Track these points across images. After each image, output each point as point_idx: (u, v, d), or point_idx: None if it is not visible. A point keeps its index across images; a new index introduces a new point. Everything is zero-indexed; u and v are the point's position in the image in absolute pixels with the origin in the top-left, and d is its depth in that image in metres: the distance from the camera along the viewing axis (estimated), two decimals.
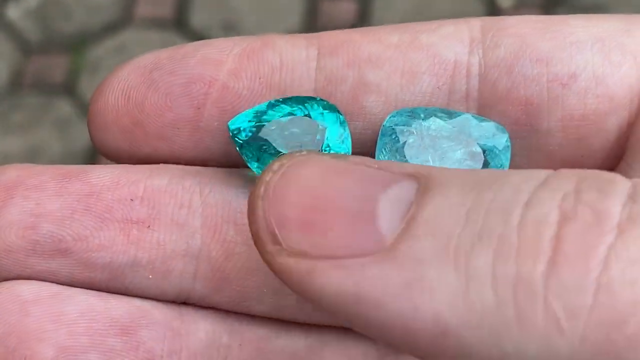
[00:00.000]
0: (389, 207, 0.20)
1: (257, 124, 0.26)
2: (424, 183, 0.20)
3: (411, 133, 0.27)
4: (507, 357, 0.18)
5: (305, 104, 0.26)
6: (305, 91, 0.27)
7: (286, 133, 0.26)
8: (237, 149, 0.26)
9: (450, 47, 0.27)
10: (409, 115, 0.27)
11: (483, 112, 0.27)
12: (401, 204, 0.20)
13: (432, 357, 0.19)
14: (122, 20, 1.18)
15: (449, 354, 0.19)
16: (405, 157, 0.27)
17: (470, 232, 0.19)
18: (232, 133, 0.26)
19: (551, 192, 0.19)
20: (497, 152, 0.27)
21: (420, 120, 0.27)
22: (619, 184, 0.19)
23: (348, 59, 0.27)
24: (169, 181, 0.27)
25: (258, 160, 0.26)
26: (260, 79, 0.27)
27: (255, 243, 0.21)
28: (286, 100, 0.26)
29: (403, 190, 0.20)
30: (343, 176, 0.21)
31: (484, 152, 0.27)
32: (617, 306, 0.18)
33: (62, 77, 1.14)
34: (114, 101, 0.27)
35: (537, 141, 0.27)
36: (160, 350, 0.26)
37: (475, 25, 0.27)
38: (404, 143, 0.27)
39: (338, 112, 0.27)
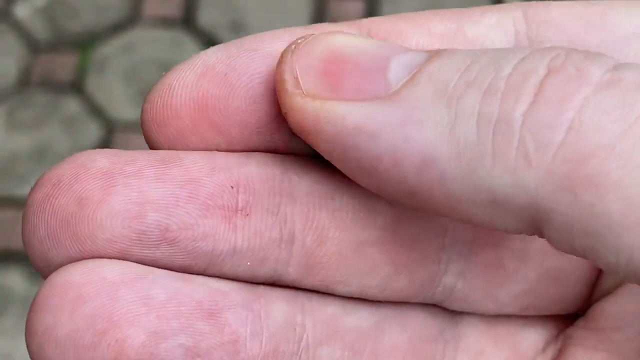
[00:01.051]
0: (399, 65, 0.23)
1: None
2: (434, 53, 0.23)
3: None
4: (480, 188, 0.21)
5: None
6: None
7: None
8: None
9: (497, 40, 0.27)
10: None
11: None
12: (411, 65, 0.23)
13: (413, 192, 0.22)
14: (130, 19, 1.18)
15: (430, 186, 0.22)
16: None
17: (466, 79, 0.21)
18: None
19: (545, 51, 0.21)
20: None
21: None
22: (606, 57, 0.21)
23: None
24: (258, 168, 0.27)
25: None
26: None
27: (277, 85, 0.24)
28: None
29: (414, 57, 0.23)
30: (364, 42, 0.24)
31: None
32: (582, 146, 0.20)
33: (70, 75, 1.15)
34: (187, 110, 0.26)
35: None
36: (244, 332, 0.26)
37: (518, 15, 0.27)
38: None
39: None
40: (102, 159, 0.25)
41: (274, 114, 0.26)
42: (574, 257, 0.27)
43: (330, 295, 0.28)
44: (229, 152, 0.27)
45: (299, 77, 0.24)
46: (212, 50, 0.27)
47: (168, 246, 0.25)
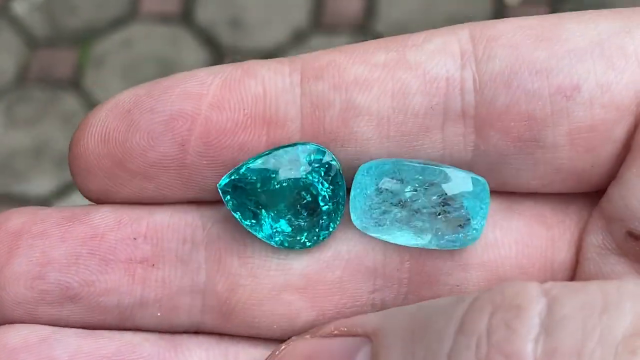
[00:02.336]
0: None
1: (237, 175, 0.26)
2: (375, 346, 0.23)
3: (383, 184, 0.26)
4: None
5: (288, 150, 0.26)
6: (291, 118, 0.26)
7: (275, 195, 0.26)
8: (229, 207, 0.26)
9: (440, 63, 0.26)
10: (381, 167, 0.26)
11: (482, 130, 0.26)
12: None
13: None
14: (128, 15, 1.18)
15: None
16: (376, 209, 0.26)
17: None
18: (222, 192, 0.26)
19: (467, 339, 0.20)
20: (474, 204, 0.26)
21: (394, 172, 0.26)
22: (530, 309, 0.20)
23: (334, 82, 0.26)
24: (171, 216, 0.27)
25: (250, 218, 0.26)
26: (244, 110, 0.26)
27: None
28: (274, 153, 0.26)
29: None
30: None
31: (459, 205, 0.26)
32: None
33: (68, 71, 1.14)
34: (93, 145, 0.26)
35: (543, 155, 0.26)
36: None
37: (464, 35, 0.26)
38: (376, 194, 0.26)
39: (328, 157, 0.26)
40: (16, 218, 0.26)
41: (176, 151, 0.26)
42: None
43: (257, 338, 0.27)
44: (143, 204, 0.27)
45: None
46: (130, 88, 0.26)
47: (72, 304, 0.26)
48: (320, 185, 0.26)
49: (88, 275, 0.26)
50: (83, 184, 0.27)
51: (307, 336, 0.25)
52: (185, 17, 1.17)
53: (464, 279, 0.27)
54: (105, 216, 0.26)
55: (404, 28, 1.12)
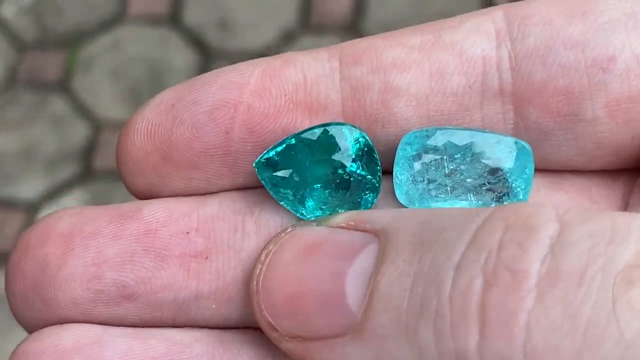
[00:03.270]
0: (355, 281, 0.23)
1: (275, 156, 0.26)
2: (382, 245, 0.23)
3: (427, 152, 0.26)
4: None
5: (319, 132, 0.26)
6: (332, 102, 0.27)
7: (312, 165, 0.26)
8: (266, 186, 0.26)
9: (476, 43, 0.26)
10: (425, 135, 0.26)
11: (520, 107, 0.26)
12: (364, 276, 0.23)
13: None
14: (117, 17, 1.18)
15: None
16: (421, 181, 0.26)
17: (414, 304, 0.21)
18: (258, 171, 0.26)
19: (477, 253, 0.21)
20: (519, 169, 0.26)
21: (438, 139, 0.26)
22: (542, 231, 0.21)
23: (372, 65, 0.26)
24: (219, 206, 0.27)
25: (289, 193, 0.26)
26: (285, 96, 0.26)
27: (264, 331, 0.24)
28: (312, 129, 0.26)
29: (366, 260, 0.23)
30: (315, 255, 0.24)
31: (503, 171, 0.26)
32: None
33: (56, 74, 1.14)
34: (140, 142, 0.26)
35: (583, 130, 0.26)
36: None
37: (498, 15, 0.27)
38: (421, 163, 0.26)
39: (355, 130, 0.26)
40: (66, 220, 0.26)
41: (221, 140, 0.26)
42: None
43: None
44: (190, 197, 0.27)
45: (271, 322, 0.24)
46: (173, 87, 0.27)
47: (129, 302, 0.26)
48: (354, 163, 0.26)
49: (144, 272, 0.26)
50: (132, 182, 0.27)
51: (313, 224, 0.25)
52: (174, 18, 1.17)
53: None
54: (156, 211, 0.26)
55: (393, 27, 1.12)
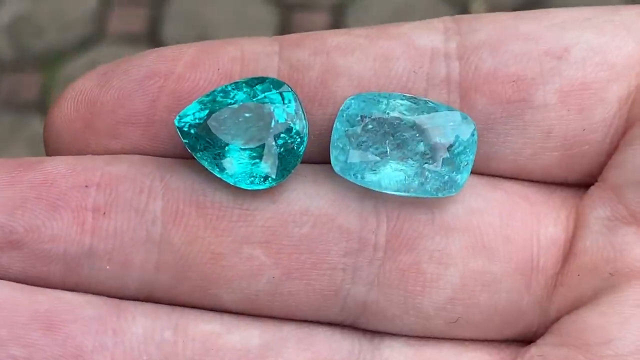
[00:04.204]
0: None
1: (202, 116, 0.25)
2: None
3: (370, 119, 0.25)
4: None
5: (248, 87, 0.25)
6: None
7: (235, 122, 0.25)
8: (185, 143, 0.25)
9: (424, 35, 0.26)
10: (369, 99, 0.25)
11: (467, 95, 0.25)
12: None
13: None
14: (95, 36, 1.17)
15: None
16: (362, 143, 0.25)
17: None
18: (179, 128, 0.25)
19: None
20: (463, 144, 0.25)
21: (381, 106, 0.25)
22: None
23: (315, 48, 0.26)
24: (128, 167, 0.25)
25: (205, 151, 0.25)
26: (218, 69, 0.25)
27: None
28: (235, 84, 0.25)
29: None
30: None
31: (448, 145, 0.25)
32: None
33: (34, 94, 1.13)
34: (66, 109, 0.26)
35: (532, 117, 0.25)
36: (90, 345, 0.24)
37: (447, 19, 0.26)
38: (363, 129, 0.25)
39: (287, 88, 0.25)
40: None
41: (146, 107, 0.25)
42: (505, 260, 0.26)
43: (216, 311, 0.26)
44: (101, 155, 0.26)
45: None
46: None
47: (15, 250, 0.24)
48: (280, 110, 0.25)
49: (34, 219, 0.24)
50: (54, 150, 0.26)
51: None
52: (152, 36, 1.16)
53: (446, 244, 0.26)
54: (58, 164, 0.25)
55: None
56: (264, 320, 0.26)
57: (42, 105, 1.12)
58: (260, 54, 0.26)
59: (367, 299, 0.26)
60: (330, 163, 0.26)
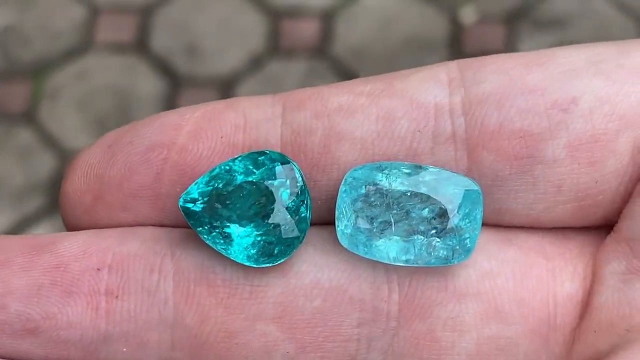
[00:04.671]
0: None
1: (205, 196, 0.25)
2: None
3: (373, 189, 0.25)
4: None
5: (252, 165, 0.25)
6: (271, 147, 0.25)
7: (238, 201, 0.25)
8: (191, 224, 0.25)
9: (428, 90, 0.25)
10: (371, 169, 0.25)
11: (474, 151, 0.25)
12: None
13: None
14: (83, 46, 1.17)
15: None
16: (365, 216, 0.25)
17: None
18: (183, 209, 0.25)
19: None
20: (468, 207, 0.25)
21: (384, 177, 0.25)
22: None
23: (316, 110, 0.25)
24: (140, 246, 0.25)
25: (211, 232, 0.25)
26: (221, 137, 0.25)
27: None
28: (236, 161, 0.25)
29: None
30: None
31: (452, 209, 0.25)
32: None
33: (22, 105, 1.13)
34: (77, 182, 0.26)
35: (542, 172, 0.25)
36: None
37: (452, 65, 0.26)
38: (365, 200, 0.25)
39: (287, 161, 0.25)
40: None
41: (151, 180, 0.25)
42: (520, 323, 0.25)
43: None
44: (113, 229, 0.26)
45: None
46: (116, 129, 0.26)
47: (32, 337, 0.24)
48: (283, 187, 0.25)
49: (50, 307, 0.24)
50: (69, 223, 0.26)
51: None
52: (141, 46, 1.16)
53: (459, 311, 0.25)
54: (71, 245, 0.25)
55: (361, 50, 1.12)
56: None
57: (30, 115, 1.11)
58: (263, 119, 0.25)
59: None
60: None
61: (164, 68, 1.13)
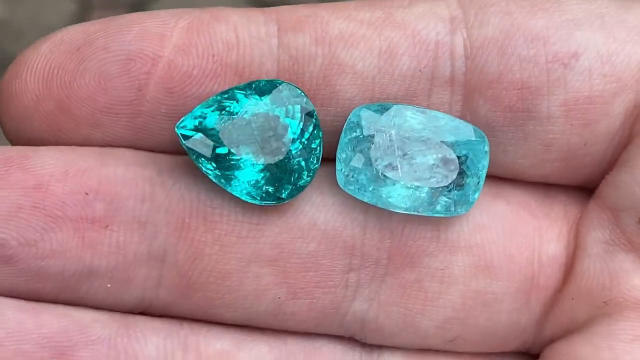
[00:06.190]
0: None
1: (210, 125, 0.23)
2: None
3: (378, 131, 0.24)
4: None
5: (263, 95, 0.23)
6: (267, 72, 0.24)
7: (246, 134, 0.23)
8: (189, 153, 0.23)
9: (430, 25, 0.24)
10: (377, 111, 0.24)
11: (470, 98, 0.24)
12: None
13: None
14: None
15: None
16: (369, 158, 0.24)
17: None
18: (181, 136, 0.23)
19: None
20: (474, 160, 0.25)
21: (390, 118, 0.24)
22: None
23: (316, 35, 0.24)
24: (126, 170, 0.23)
25: (216, 163, 0.23)
26: (214, 56, 0.23)
27: None
28: (245, 87, 0.23)
29: None
30: None
31: (458, 159, 0.24)
32: None
33: None
34: (33, 84, 0.23)
35: (534, 128, 0.25)
36: None
37: (452, 2, 0.25)
38: (370, 142, 0.24)
39: (305, 99, 0.23)
40: None
41: (132, 96, 0.23)
42: (507, 279, 0.25)
43: (221, 325, 0.24)
44: (89, 148, 0.23)
45: None
46: (78, 24, 0.23)
47: (6, 266, 0.22)
48: (291, 121, 0.23)
49: (30, 232, 0.22)
50: (15, 130, 0.23)
51: None
52: None
53: (449, 262, 0.25)
54: (47, 162, 0.23)
55: None
56: (268, 334, 0.25)
57: None
58: (256, 39, 0.24)
59: (366, 316, 0.25)
60: (335, 163, 0.25)
61: None
